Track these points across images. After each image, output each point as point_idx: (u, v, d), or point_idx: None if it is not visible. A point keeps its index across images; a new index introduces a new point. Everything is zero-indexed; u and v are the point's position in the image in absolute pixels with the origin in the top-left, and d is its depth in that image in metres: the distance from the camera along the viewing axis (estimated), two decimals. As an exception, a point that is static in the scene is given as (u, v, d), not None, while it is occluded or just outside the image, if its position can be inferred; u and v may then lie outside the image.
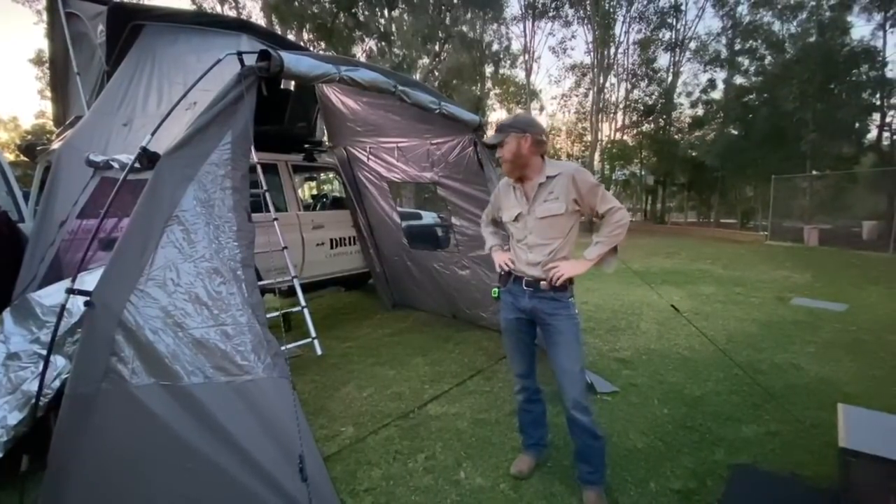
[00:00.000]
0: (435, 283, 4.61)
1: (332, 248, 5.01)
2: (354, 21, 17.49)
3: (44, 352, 2.12)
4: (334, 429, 2.60)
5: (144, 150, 1.62)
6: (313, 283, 4.85)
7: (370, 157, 4.62)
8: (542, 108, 26.65)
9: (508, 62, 23.67)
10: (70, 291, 1.49)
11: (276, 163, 4.55)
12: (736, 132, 18.71)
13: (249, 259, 1.74)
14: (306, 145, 5.02)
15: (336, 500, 1.59)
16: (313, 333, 3.33)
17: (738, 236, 14.36)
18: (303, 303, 3.46)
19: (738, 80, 20.02)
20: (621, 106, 24.26)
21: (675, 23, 21.67)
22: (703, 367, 3.37)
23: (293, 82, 4.66)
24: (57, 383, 2.00)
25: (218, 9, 17.41)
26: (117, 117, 2.93)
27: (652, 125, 22.99)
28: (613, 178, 24.35)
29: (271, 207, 3.67)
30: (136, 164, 1.71)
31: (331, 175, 6.99)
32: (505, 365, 3.30)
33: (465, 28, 20.19)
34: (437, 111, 2.90)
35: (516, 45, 23.39)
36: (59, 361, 2.02)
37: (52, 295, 2.22)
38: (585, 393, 1.88)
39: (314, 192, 8.54)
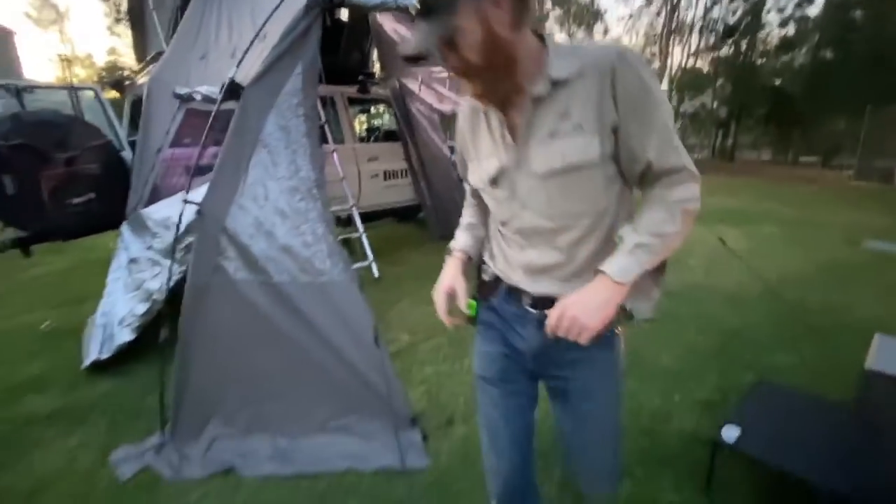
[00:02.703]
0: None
1: (385, 179, 5.24)
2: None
3: (156, 257, 2.58)
4: (391, 335, 2.97)
5: (232, 80, 1.84)
6: (368, 214, 5.17)
7: (422, 87, 4.65)
8: (606, 31, 24.40)
9: (571, -21, 21.55)
10: (185, 202, 1.82)
11: (333, 95, 4.71)
12: (831, 55, 16.37)
13: (322, 181, 1.98)
14: (360, 77, 5.11)
15: (396, 380, 1.93)
16: (370, 257, 3.67)
17: (818, 176, 13.09)
18: (361, 229, 3.79)
19: (845, -9, 17.11)
20: (698, 26, 21.68)
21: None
22: (748, 303, 3.40)
23: (346, 13, 4.67)
24: (171, 283, 2.45)
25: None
26: (194, 51, 3.16)
27: (731, 49, 20.49)
28: (681, 110, 22.40)
29: (329, 139, 3.91)
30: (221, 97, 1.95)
31: (381, 108, 7.03)
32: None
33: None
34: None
35: (581, -42, 21.12)
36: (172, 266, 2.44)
37: (160, 210, 2.63)
38: (615, 474, 1.08)
39: (365, 125, 8.66)
